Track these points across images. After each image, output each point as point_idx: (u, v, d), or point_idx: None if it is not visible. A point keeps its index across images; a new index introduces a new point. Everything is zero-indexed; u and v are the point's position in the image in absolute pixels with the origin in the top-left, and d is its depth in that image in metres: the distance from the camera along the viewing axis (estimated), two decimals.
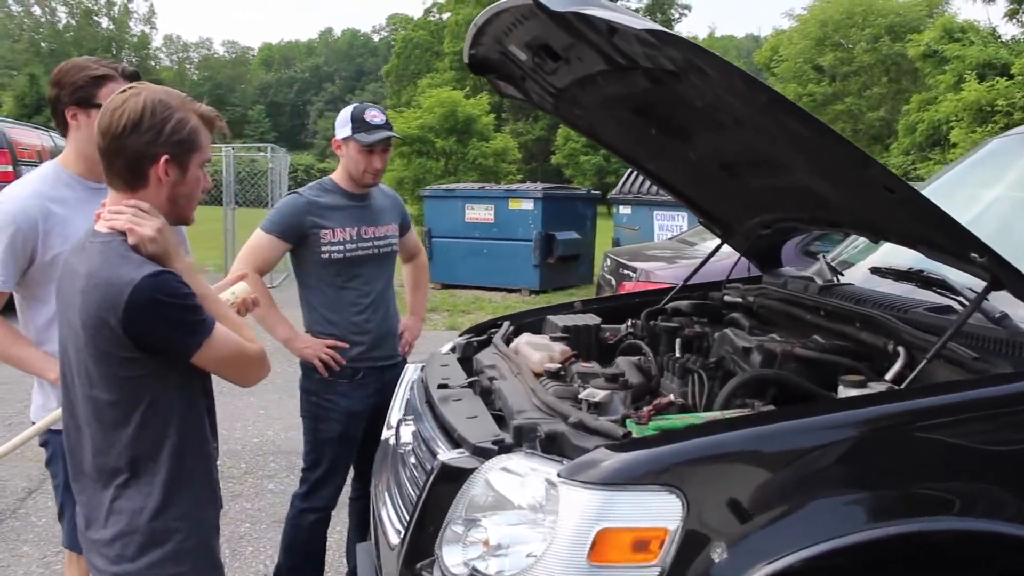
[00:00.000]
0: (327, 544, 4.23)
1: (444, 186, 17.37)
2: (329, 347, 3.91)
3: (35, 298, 3.09)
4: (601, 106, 3.40)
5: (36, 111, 53.90)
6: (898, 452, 2.23)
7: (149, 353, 2.24)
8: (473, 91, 31.58)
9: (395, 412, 3.48)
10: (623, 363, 3.22)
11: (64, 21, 63.93)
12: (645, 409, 2.62)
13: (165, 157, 2.28)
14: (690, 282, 4.15)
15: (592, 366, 3.14)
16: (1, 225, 2.98)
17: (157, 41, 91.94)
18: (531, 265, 14.97)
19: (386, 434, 3.47)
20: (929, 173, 23.45)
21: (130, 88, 2.32)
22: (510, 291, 15.21)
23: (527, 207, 14.97)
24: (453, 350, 3.78)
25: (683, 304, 3.79)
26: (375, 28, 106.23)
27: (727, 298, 3.88)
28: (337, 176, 4.05)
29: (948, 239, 2.57)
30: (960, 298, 2.78)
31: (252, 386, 2.53)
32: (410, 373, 3.67)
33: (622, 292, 6.77)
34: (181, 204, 2.39)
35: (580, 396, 2.77)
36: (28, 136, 13.45)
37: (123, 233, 2.28)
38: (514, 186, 16.99)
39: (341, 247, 3.93)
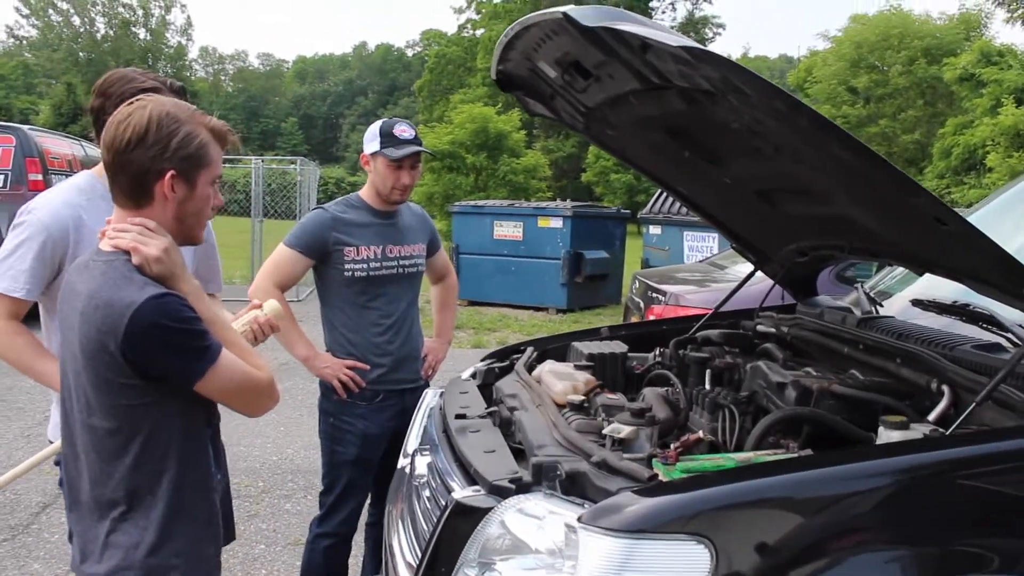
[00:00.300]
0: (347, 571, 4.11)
1: (473, 202, 17.30)
2: (349, 368, 3.81)
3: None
4: (633, 126, 3.27)
5: (72, 120, 54.42)
6: (941, 504, 2.08)
7: (150, 380, 2.13)
8: (505, 107, 31.64)
9: (412, 440, 3.35)
10: (650, 395, 3.08)
11: (102, 31, 64.76)
12: (672, 447, 2.49)
13: (171, 173, 2.17)
14: (722, 309, 4.02)
15: (618, 398, 3.01)
16: (32, 233, 2.90)
17: (193, 53, 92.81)
18: (559, 284, 14.82)
19: (402, 462, 3.34)
20: (964, 198, 23.17)
21: (137, 100, 2.22)
22: (537, 309, 15.07)
23: (556, 225, 14.83)
24: (474, 376, 3.65)
25: (714, 333, 3.64)
26: (409, 43, 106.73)
27: (760, 327, 3.73)
28: (364, 192, 3.96)
29: (1001, 274, 2.42)
30: (1010, 335, 2.62)
31: (259, 416, 2.41)
32: (428, 399, 3.55)
33: (650, 316, 6.63)
34: (189, 223, 2.28)
35: (604, 431, 2.63)
36: (59, 145, 13.51)
37: (127, 252, 2.18)
38: (543, 204, 16.88)
39: (364, 265, 3.82)
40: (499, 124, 27.62)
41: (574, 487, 2.31)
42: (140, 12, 64.94)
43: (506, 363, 3.74)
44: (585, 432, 2.70)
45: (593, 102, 3.17)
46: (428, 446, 3.03)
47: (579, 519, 2.04)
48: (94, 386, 2.16)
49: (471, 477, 2.51)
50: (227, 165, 28.00)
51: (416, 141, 3.83)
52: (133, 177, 2.18)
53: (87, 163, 14.66)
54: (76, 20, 64.25)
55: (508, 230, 15.34)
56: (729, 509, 2.03)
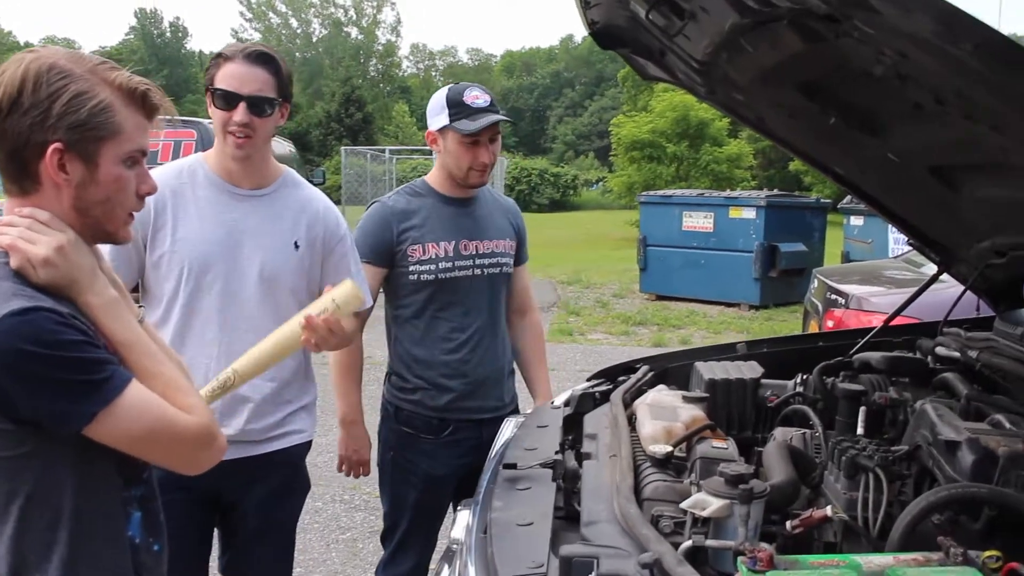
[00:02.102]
0: None
1: (661, 192, 16.38)
2: (365, 465, 3.30)
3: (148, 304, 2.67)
4: (760, 85, 2.50)
5: (288, 117, 56.91)
6: None
7: (21, 424, 1.57)
8: None
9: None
10: (773, 445, 2.28)
11: (317, 32, 67.39)
12: (789, 527, 1.72)
13: (55, 146, 1.61)
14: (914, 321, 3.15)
15: (726, 447, 2.22)
16: None
17: (404, 50, 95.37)
18: (751, 278, 13.73)
19: None
20: None
21: (21, 53, 1.67)
22: (728, 305, 14.05)
23: (749, 216, 13.74)
24: (567, 403, 2.94)
25: (875, 357, 2.77)
26: None
27: (940, 350, 2.82)
28: (432, 177, 3.24)
29: None
30: None
31: (195, 472, 1.80)
32: (508, 432, 2.86)
33: (828, 323, 5.66)
34: (95, 215, 1.71)
35: (683, 504, 1.88)
36: None
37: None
38: (735, 193, 15.78)
39: (432, 266, 3.11)
40: (700, 112, 26.58)
41: None
42: (352, 13, 67.11)
43: (611, 387, 3.00)
44: (661, 501, 1.96)
45: (702, 53, 2.41)
46: (473, 501, 2.36)
47: None
48: None
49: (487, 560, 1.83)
50: (418, 157, 28.18)
51: (493, 108, 3.06)
52: (9, 153, 1.64)
53: (282, 160, 14.76)
54: (294, 22, 67.13)
55: (698, 221, 14.37)
56: None
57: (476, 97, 3.05)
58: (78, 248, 1.68)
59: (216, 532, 2.92)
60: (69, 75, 1.62)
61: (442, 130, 3.09)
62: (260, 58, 2.60)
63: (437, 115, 3.10)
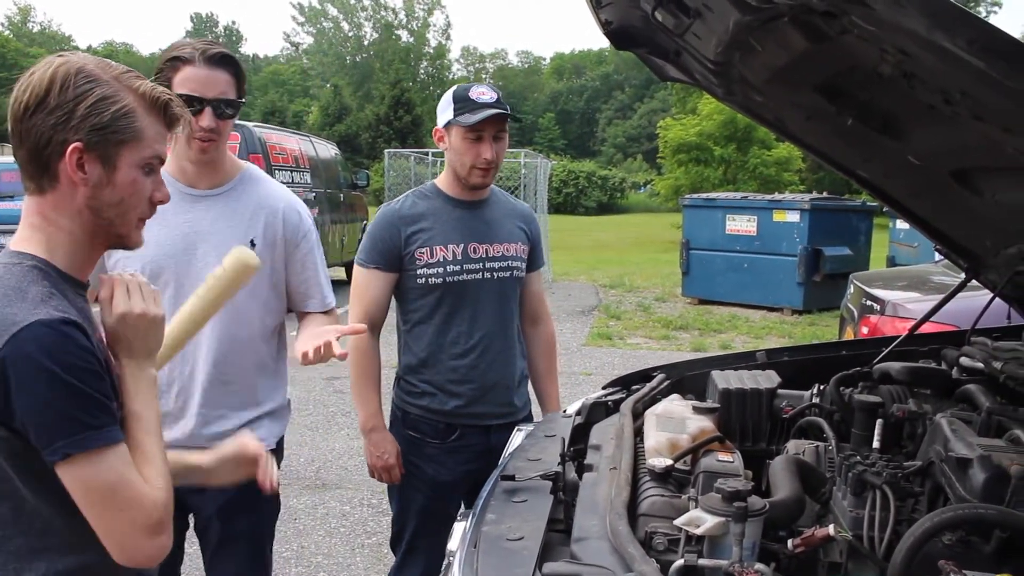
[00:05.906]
0: None
1: (703, 195, 16.21)
2: (396, 466, 3.15)
3: None
4: (775, 86, 2.42)
5: (338, 119, 57.33)
6: None
7: (13, 432, 1.55)
8: None
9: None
10: (781, 460, 2.20)
11: (368, 36, 67.77)
12: (792, 546, 1.64)
13: (75, 146, 1.62)
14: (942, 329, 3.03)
15: (731, 460, 2.14)
16: None
17: (455, 53, 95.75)
18: (795, 282, 13.53)
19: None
20: None
21: (51, 56, 1.69)
22: (771, 310, 13.88)
23: (792, 219, 13.55)
24: (579, 412, 2.87)
25: (895, 367, 2.66)
26: None
27: (964, 360, 2.72)
28: (441, 179, 3.20)
29: None
30: None
31: (130, 564, 1.63)
32: (517, 440, 2.79)
33: (863, 330, 5.51)
34: (109, 215, 1.71)
35: (677, 521, 1.80)
36: (286, 141, 13.59)
37: (36, 257, 1.66)
38: (778, 196, 15.55)
39: (440, 269, 3.06)
40: None
41: None
42: (402, 16, 67.53)
43: (624, 396, 2.93)
44: (657, 517, 1.89)
45: (713, 53, 2.33)
46: (471, 512, 2.30)
47: None
48: None
49: None
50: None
51: (499, 105, 3.00)
52: (31, 151, 1.65)
53: (316, 160, 14.80)
54: (345, 26, 67.66)
55: (741, 224, 14.19)
56: None
57: (482, 93, 3.02)
58: (157, 328, 1.76)
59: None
60: (96, 80, 1.64)
61: (447, 126, 3.06)
62: (222, 60, 2.54)
63: (444, 111, 3.07)
